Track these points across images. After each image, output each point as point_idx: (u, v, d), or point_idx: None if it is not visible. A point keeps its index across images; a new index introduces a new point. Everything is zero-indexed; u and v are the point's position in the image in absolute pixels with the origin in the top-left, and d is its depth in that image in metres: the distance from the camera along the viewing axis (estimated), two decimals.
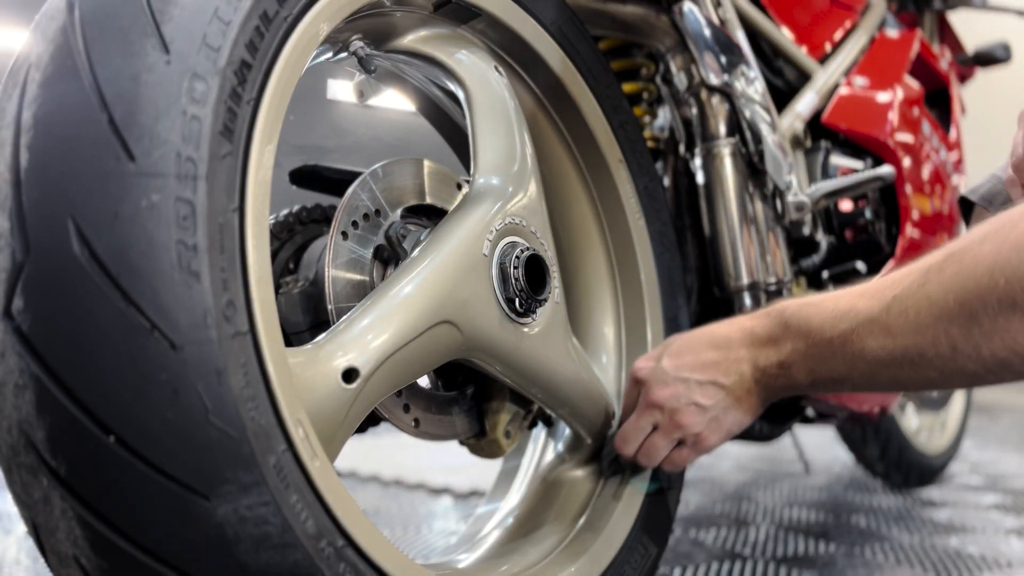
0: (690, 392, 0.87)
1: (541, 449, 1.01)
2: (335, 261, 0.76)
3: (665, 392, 0.88)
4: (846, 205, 1.31)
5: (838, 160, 1.31)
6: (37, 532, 0.54)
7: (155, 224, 0.51)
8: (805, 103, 1.32)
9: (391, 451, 2.48)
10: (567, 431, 1.00)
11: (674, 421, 0.88)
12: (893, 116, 1.36)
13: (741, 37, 1.18)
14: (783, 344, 0.84)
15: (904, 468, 1.97)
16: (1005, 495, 1.99)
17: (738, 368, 0.87)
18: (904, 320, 0.72)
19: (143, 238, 0.51)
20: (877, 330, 0.74)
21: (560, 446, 1.00)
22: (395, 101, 1.12)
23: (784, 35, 1.36)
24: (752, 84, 1.15)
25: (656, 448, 0.90)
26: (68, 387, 0.50)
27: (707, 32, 1.10)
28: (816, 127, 1.34)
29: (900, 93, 1.42)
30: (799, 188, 1.18)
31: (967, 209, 1.05)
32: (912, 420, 2.11)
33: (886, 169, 1.21)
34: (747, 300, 1.13)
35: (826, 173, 1.28)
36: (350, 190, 0.79)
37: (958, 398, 2.32)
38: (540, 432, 1.02)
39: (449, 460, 2.33)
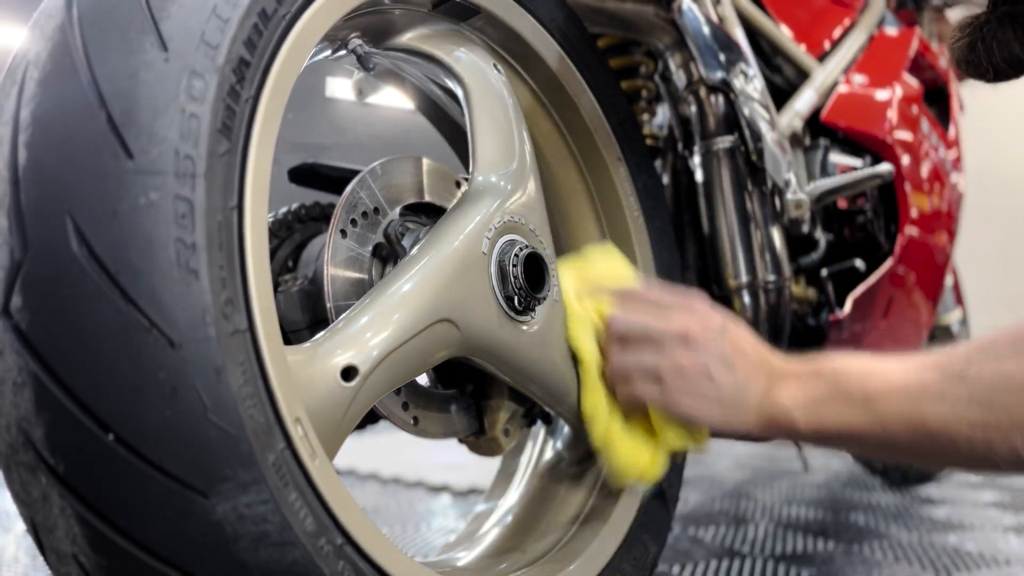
0: (716, 354, 0.75)
1: (540, 447, 1.01)
2: (334, 259, 0.76)
3: (698, 329, 0.75)
4: (845, 203, 1.31)
5: (837, 158, 1.31)
6: (36, 530, 0.54)
7: (154, 222, 0.51)
8: (804, 101, 1.32)
9: (390, 449, 2.48)
10: (566, 429, 1.00)
11: (678, 356, 0.74)
12: (892, 114, 1.36)
13: (740, 35, 1.18)
14: (812, 385, 0.75)
15: (902, 465, 1.97)
16: (1003, 492, 1.99)
17: (757, 390, 0.76)
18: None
19: (141, 236, 0.51)
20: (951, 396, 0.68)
21: (559, 444, 1.00)
22: (394, 99, 1.12)
23: (783, 33, 1.36)
24: (751, 82, 1.15)
25: (631, 365, 0.78)
26: (67, 385, 0.50)
27: (706, 30, 1.10)
28: (815, 125, 1.34)
29: (899, 91, 1.42)
30: (798, 186, 1.18)
31: None
32: None
33: (885, 167, 1.21)
34: (746, 298, 1.13)
35: (825, 171, 1.28)
36: (349, 188, 0.79)
37: None
38: (539, 430, 1.02)
39: (448, 458, 2.33)
